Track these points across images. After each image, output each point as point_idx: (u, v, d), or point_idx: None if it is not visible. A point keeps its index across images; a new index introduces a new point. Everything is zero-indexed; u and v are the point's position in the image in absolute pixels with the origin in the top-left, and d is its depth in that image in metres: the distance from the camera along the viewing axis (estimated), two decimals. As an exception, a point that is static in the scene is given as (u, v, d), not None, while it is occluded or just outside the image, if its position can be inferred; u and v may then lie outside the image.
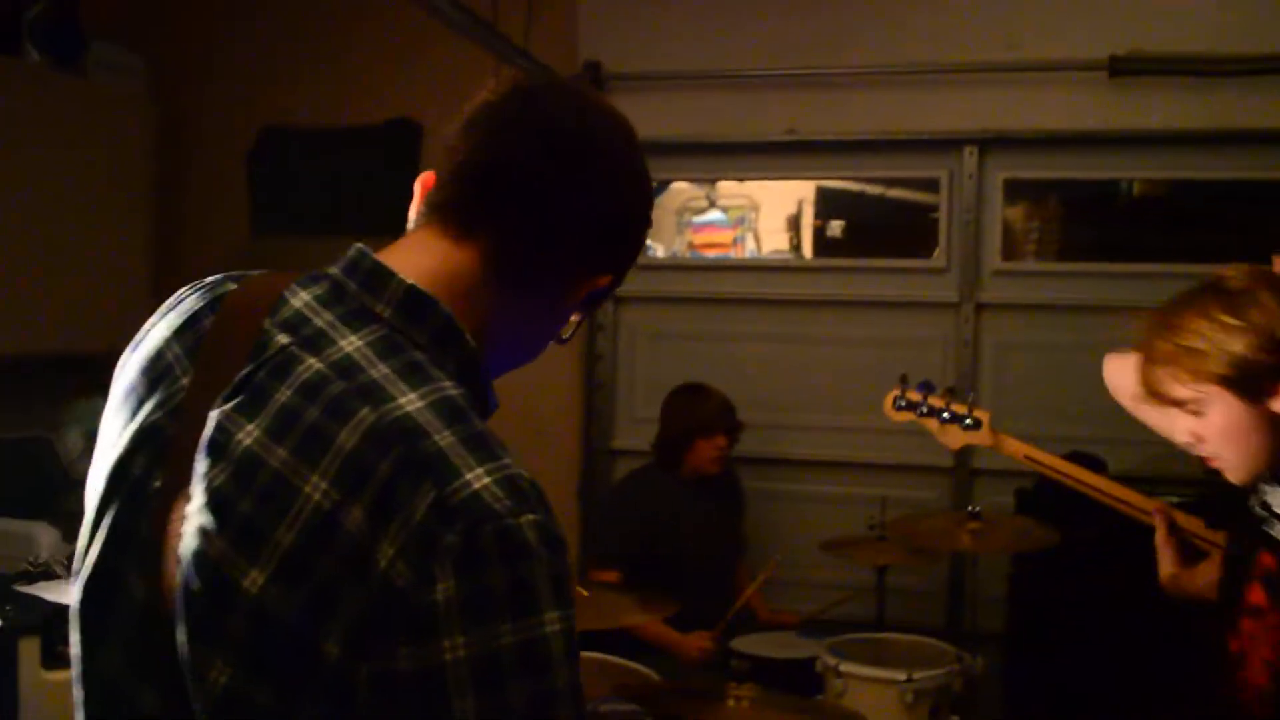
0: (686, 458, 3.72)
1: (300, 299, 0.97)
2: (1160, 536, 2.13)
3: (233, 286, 1.02)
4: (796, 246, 4.68)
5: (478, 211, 1.02)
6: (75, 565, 1.01)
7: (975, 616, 3.98)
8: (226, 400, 0.91)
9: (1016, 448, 2.51)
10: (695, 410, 3.72)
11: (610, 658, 3.22)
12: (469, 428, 0.89)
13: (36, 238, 3.69)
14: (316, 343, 0.93)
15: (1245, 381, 1.64)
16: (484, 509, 0.84)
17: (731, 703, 2.63)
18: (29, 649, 2.66)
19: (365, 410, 0.87)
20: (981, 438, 2.55)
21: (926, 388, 2.60)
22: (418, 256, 1.01)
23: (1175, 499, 2.94)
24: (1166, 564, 2.08)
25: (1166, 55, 3.84)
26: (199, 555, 0.87)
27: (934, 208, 4.17)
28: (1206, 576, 2.00)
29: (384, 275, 0.97)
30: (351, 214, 4.56)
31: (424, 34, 4.01)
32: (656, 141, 4.23)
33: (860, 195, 4.51)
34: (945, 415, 2.57)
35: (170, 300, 1.07)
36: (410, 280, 0.97)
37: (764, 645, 3.56)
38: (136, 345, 1.05)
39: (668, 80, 4.23)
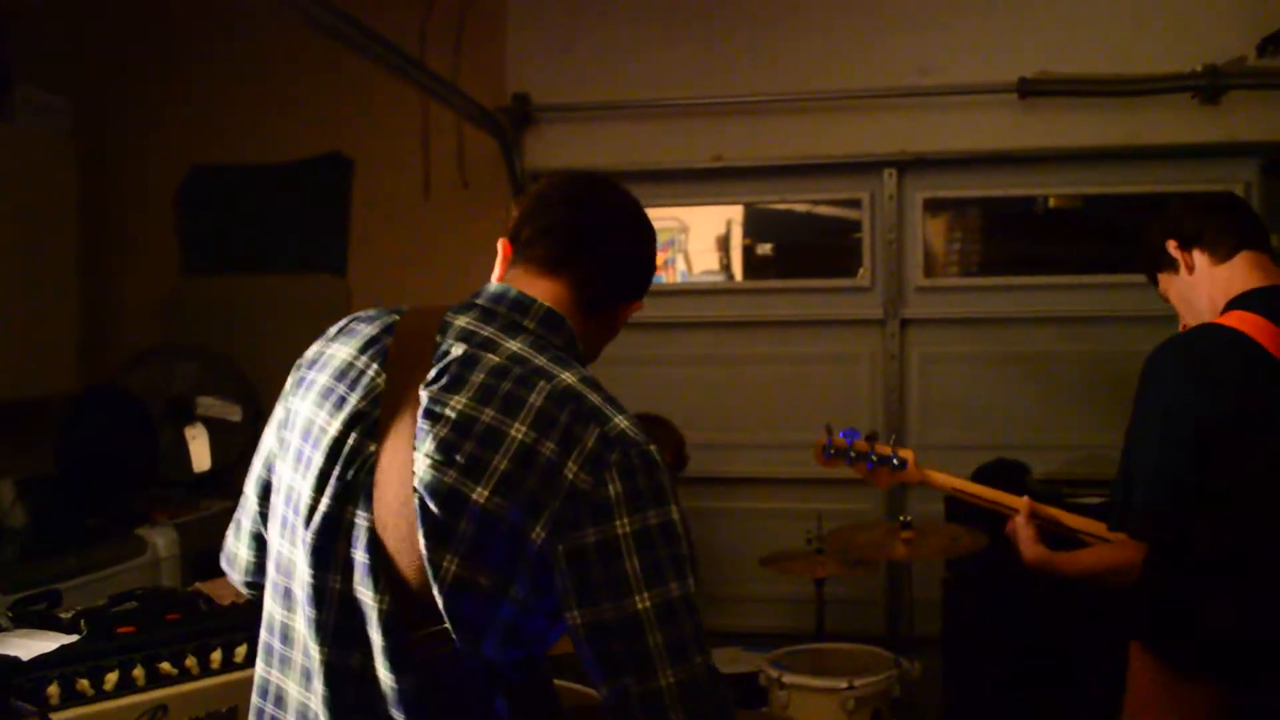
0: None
1: (462, 320, 1.39)
2: (1010, 525, 2.40)
3: (397, 317, 1.43)
4: (726, 267, 4.76)
5: (561, 257, 1.46)
6: (290, 522, 1.37)
7: (913, 622, 4.08)
8: (429, 386, 1.31)
9: (943, 481, 2.64)
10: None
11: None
12: (606, 394, 1.34)
13: (-39, 284, 3.65)
14: (489, 345, 1.36)
15: None
16: (630, 439, 1.29)
17: (679, 718, 2.68)
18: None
19: (543, 383, 1.31)
20: (909, 476, 2.68)
21: (851, 435, 2.71)
22: (533, 289, 1.44)
23: (1095, 500, 3.09)
24: (1025, 547, 2.34)
25: (1073, 77, 4.01)
26: (434, 482, 1.25)
27: (859, 224, 4.29)
28: (1085, 561, 2.28)
29: (527, 300, 1.42)
30: (284, 251, 4.57)
31: (354, 70, 4.05)
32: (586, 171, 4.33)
33: (788, 214, 4.61)
34: (873, 459, 2.69)
35: (334, 330, 1.47)
36: (547, 304, 1.42)
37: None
38: (313, 364, 1.44)
39: (595, 111, 4.32)
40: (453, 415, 1.28)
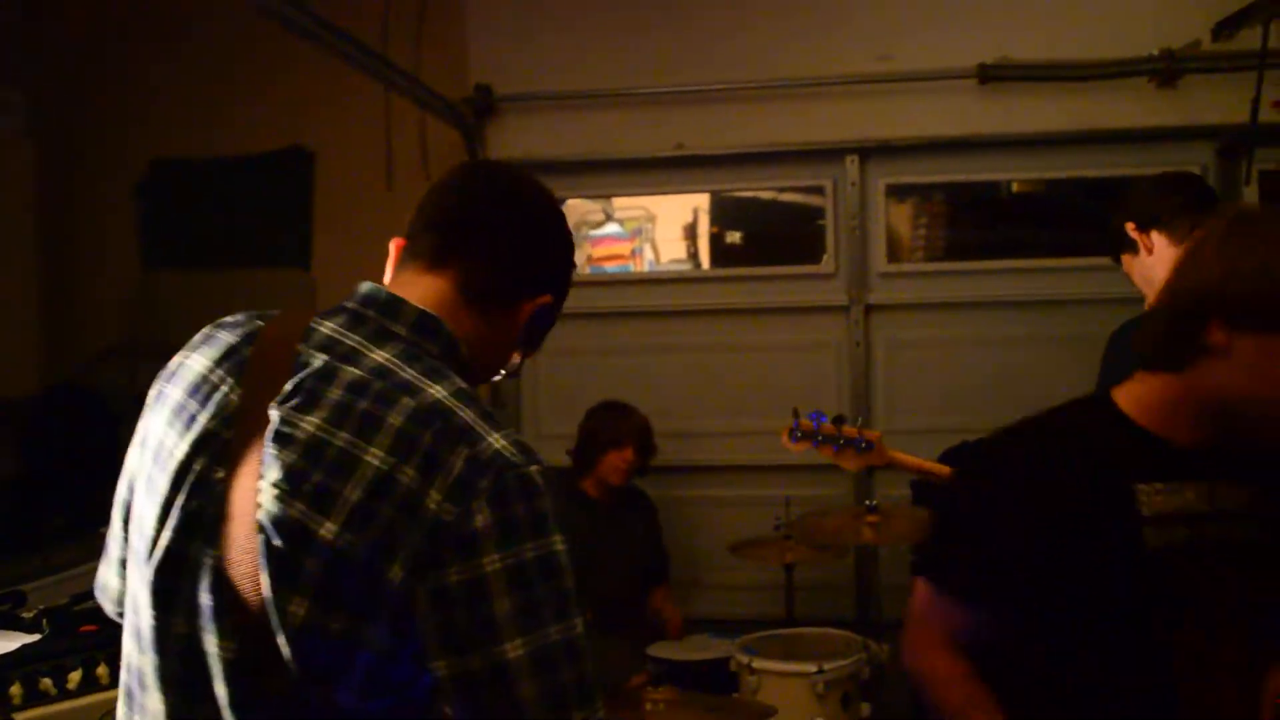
0: (597, 467, 3.82)
1: (326, 327, 1.24)
2: None
3: (261, 323, 1.28)
4: (694, 255, 4.77)
5: (448, 249, 1.33)
6: (139, 553, 1.23)
7: (881, 605, 4.12)
8: (283, 403, 1.16)
9: (910, 462, 2.67)
10: (612, 423, 3.84)
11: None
12: (481, 409, 1.18)
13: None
14: (351, 356, 1.20)
15: None
16: (506, 460, 1.14)
17: (649, 706, 2.70)
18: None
19: (406, 399, 1.15)
20: (875, 458, 2.70)
21: (818, 417, 2.70)
22: (411, 290, 1.30)
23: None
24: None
25: (1032, 62, 4.05)
26: (279, 516, 1.11)
27: (824, 211, 4.31)
28: None
29: (398, 303, 1.27)
30: (247, 245, 4.54)
31: (315, 62, 4.01)
32: (549, 161, 4.33)
33: (754, 202, 4.63)
34: (840, 442, 2.69)
35: (197, 339, 1.33)
36: (420, 306, 1.27)
37: (678, 649, 3.65)
38: (171, 376, 1.30)
39: (557, 101, 4.31)
40: (302, 438, 1.14)
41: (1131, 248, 2.41)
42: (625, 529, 3.91)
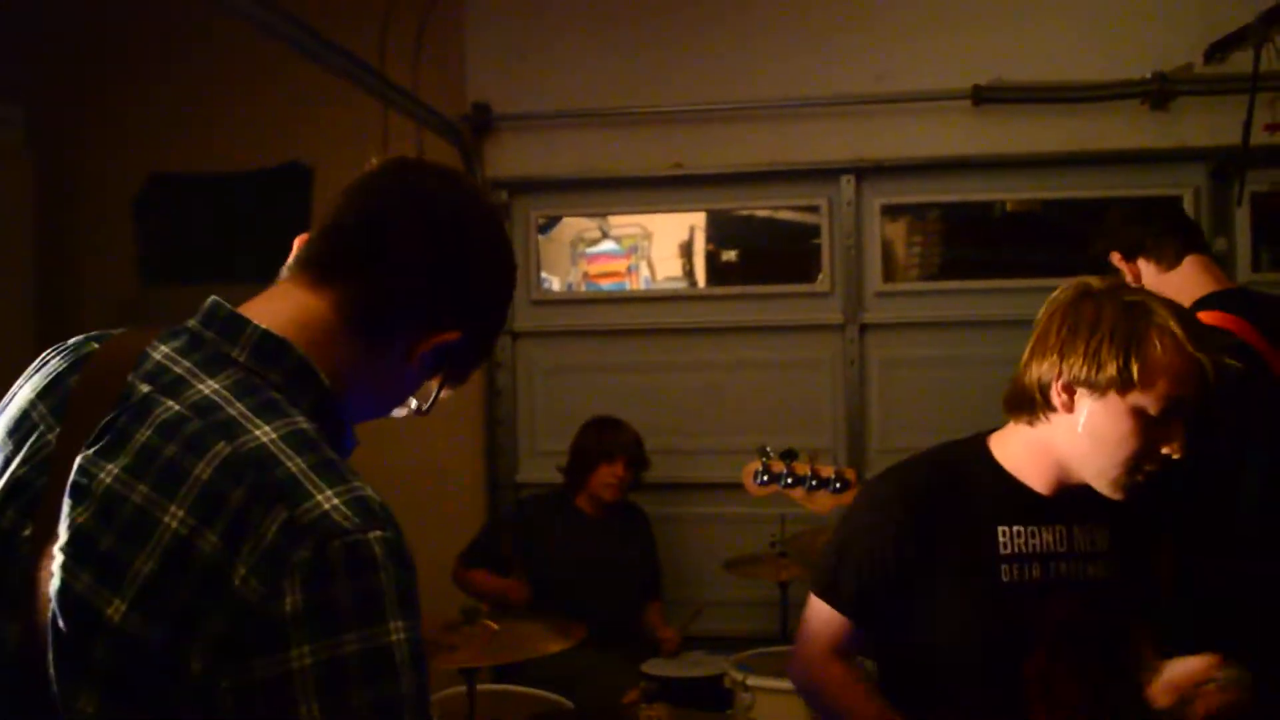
0: (589, 482, 3.83)
1: (160, 351, 1.03)
2: None
3: (95, 346, 1.08)
4: (690, 273, 4.79)
5: (332, 263, 1.11)
6: None
7: (875, 625, 4.11)
8: (89, 446, 0.96)
9: None
10: (604, 437, 3.85)
11: (520, 689, 3.26)
12: (320, 455, 0.95)
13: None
14: (175, 388, 0.99)
15: None
16: (333, 526, 0.91)
17: (643, 722, 2.69)
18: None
19: (221, 444, 0.93)
20: (850, 497, 2.52)
21: (789, 456, 2.56)
22: (276, 305, 1.08)
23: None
24: None
25: (1026, 84, 4.07)
26: (64, 591, 0.92)
27: (820, 229, 4.33)
28: None
29: (239, 323, 1.04)
30: (243, 261, 4.54)
31: (313, 79, 4.03)
32: (546, 179, 4.36)
33: (750, 220, 4.65)
34: (812, 482, 2.54)
35: (35, 364, 1.12)
36: (264, 326, 1.04)
37: (672, 665, 3.65)
38: (2, 409, 1.10)
39: (555, 119, 4.33)
40: (98, 491, 0.93)
41: (1119, 276, 2.43)
42: (619, 545, 3.91)
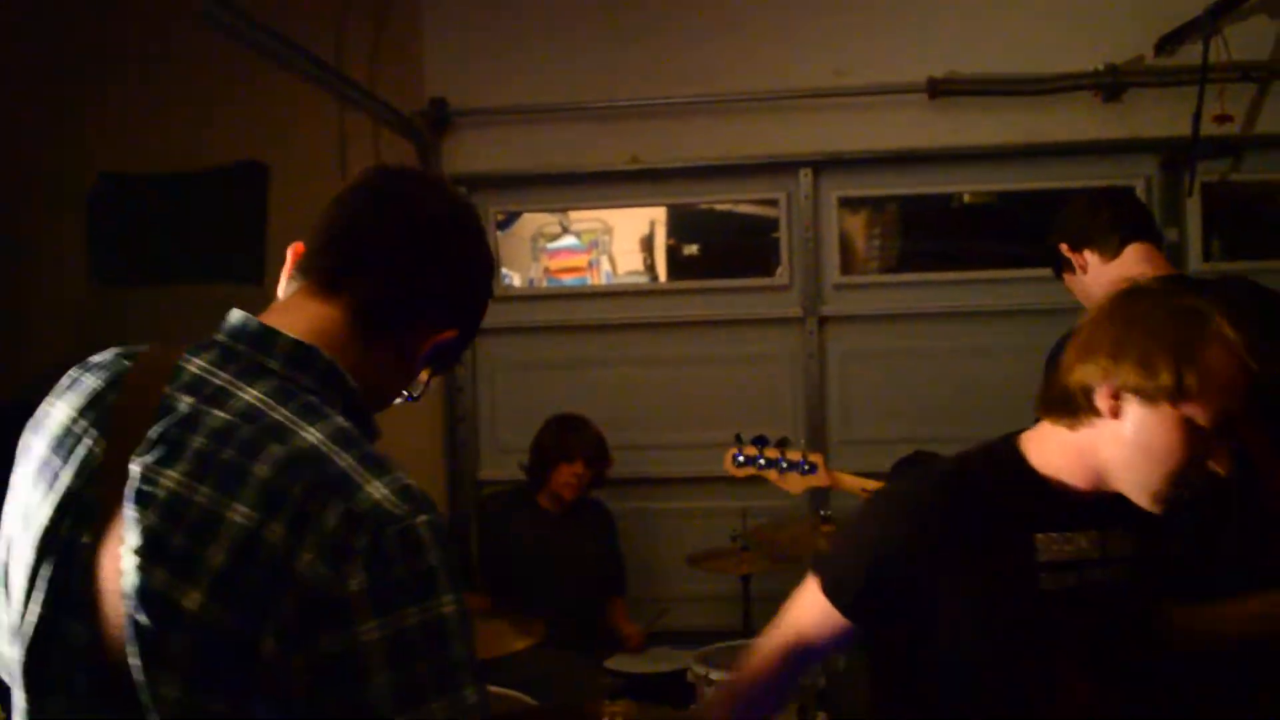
0: (550, 481, 3.82)
1: (195, 365, 1.12)
2: None
3: (128, 364, 1.16)
4: (650, 267, 4.79)
5: (342, 272, 1.20)
6: (10, 626, 1.11)
7: (838, 616, 4.13)
8: (144, 455, 1.05)
9: (852, 483, 2.71)
10: (564, 436, 3.84)
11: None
12: (363, 450, 1.06)
13: None
14: (219, 398, 1.08)
15: None
16: (385, 514, 1.01)
17: (607, 719, 2.69)
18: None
19: (274, 446, 1.03)
20: (820, 479, 2.76)
21: (762, 441, 2.75)
22: (294, 315, 1.17)
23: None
24: None
25: (980, 77, 4.11)
26: (141, 588, 1.00)
27: (779, 223, 4.34)
28: None
29: (270, 334, 1.13)
30: (199, 260, 4.49)
31: (269, 76, 3.99)
32: (505, 174, 4.34)
33: (710, 214, 4.66)
34: (783, 465, 2.75)
35: (63, 382, 1.19)
36: (294, 336, 1.14)
37: (635, 661, 3.65)
38: (37, 427, 1.17)
39: (512, 114, 4.31)
40: (162, 496, 1.02)
41: (1069, 267, 2.46)
42: (580, 542, 3.91)
